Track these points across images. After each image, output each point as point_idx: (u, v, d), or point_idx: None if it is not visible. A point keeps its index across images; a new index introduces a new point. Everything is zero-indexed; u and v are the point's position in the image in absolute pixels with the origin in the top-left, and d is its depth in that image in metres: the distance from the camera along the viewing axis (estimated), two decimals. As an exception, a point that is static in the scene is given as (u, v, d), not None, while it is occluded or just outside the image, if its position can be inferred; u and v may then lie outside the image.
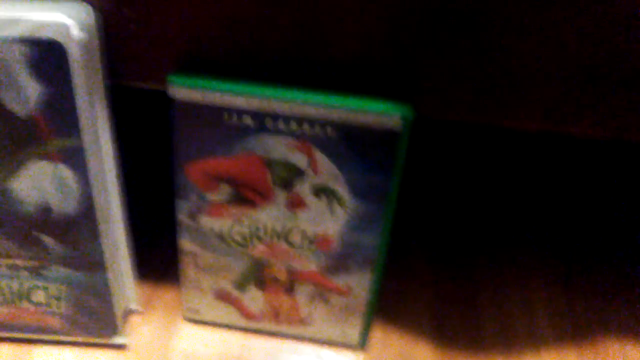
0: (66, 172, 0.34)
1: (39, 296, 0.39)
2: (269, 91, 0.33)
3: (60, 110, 0.32)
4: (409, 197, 0.55)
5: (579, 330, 0.46)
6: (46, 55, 0.30)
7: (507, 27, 0.30)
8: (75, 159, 0.33)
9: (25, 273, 0.38)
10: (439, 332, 0.45)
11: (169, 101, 0.34)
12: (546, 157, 0.62)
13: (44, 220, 0.36)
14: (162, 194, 0.51)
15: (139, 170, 0.41)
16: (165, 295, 0.45)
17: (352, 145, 0.34)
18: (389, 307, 0.46)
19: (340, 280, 0.39)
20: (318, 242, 0.38)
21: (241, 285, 0.41)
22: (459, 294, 0.48)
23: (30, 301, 0.39)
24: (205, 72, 0.33)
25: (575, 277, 0.50)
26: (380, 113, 0.32)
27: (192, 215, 0.38)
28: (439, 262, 0.50)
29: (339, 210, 0.36)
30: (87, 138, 0.33)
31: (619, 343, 0.45)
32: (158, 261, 0.47)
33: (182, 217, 0.38)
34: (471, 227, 0.54)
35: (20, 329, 0.41)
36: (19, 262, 0.38)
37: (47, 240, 0.37)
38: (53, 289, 0.39)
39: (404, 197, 0.54)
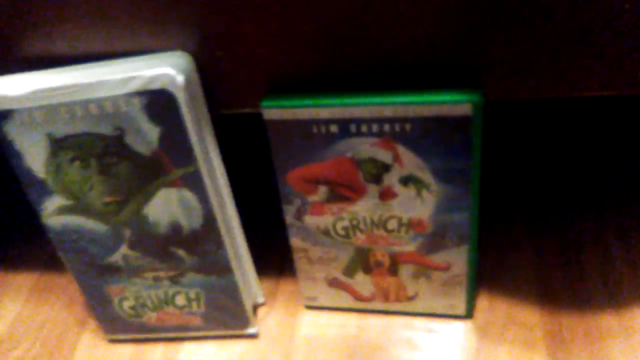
0: (188, 195, 0.40)
1: (180, 300, 0.46)
2: (349, 100, 0.36)
3: (176, 145, 0.38)
4: (498, 171, 0.57)
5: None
6: (159, 102, 0.36)
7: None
8: (194, 182, 0.39)
9: (167, 282, 0.45)
10: (544, 293, 0.47)
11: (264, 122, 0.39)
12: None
13: (176, 236, 0.42)
14: (271, 201, 0.57)
15: (249, 184, 0.47)
16: (286, 288, 0.51)
17: (430, 136, 0.37)
18: (493, 275, 0.48)
19: (438, 258, 0.43)
20: (413, 226, 0.41)
21: (349, 272, 0.45)
22: (560, 256, 0.49)
23: (174, 305, 0.46)
24: (292, 90, 0.38)
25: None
26: (451, 103, 0.35)
27: (298, 216, 0.43)
28: (538, 227, 0.52)
29: (427, 195, 0.39)
30: (201, 164, 0.39)
31: None
32: (276, 259, 0.53)
33: (290, 219, 0.43)
34: (560, 189, 0.55)
35: (168, 329, 0.48)
36: (161, 273, 0.44)
37: (181, 253, 0.43)
38: (191, 293, 0.45)
39: (493, 172, 0.56)
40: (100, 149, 0.38)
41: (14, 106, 0.37)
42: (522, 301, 0.47)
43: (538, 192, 0.55)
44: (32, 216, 0.43)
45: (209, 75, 0.38)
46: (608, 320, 0.45)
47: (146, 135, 0.37)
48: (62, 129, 0.38)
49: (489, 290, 0.48)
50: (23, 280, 0.58)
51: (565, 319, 0.45)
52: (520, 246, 0.51)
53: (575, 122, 0.63)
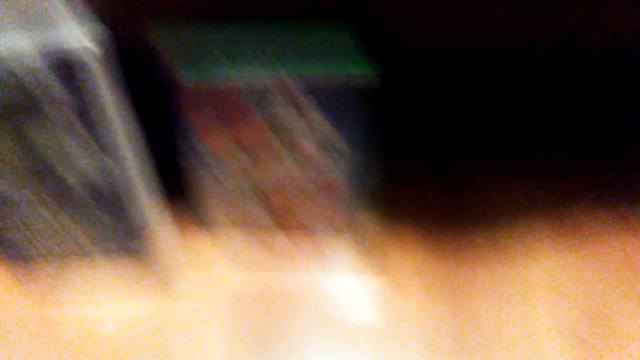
0: (105, 160, 0.40)
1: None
2: (259, 70, 0.38)
3: (88, 114, 0.38)
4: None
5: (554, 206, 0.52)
6: (70, 71, 0.36)
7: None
8: (107, 146, 0.39)
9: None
10: (447, 246, 0.51)
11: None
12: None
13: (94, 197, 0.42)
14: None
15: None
16: (207, 247, 0.52)
17: (341, 102, 0.38)
18: (400, 233, 0.52)
19: (349, 217, 0.45)
20: (325, 189, 0.43)
21: (266, 231, 0.47)
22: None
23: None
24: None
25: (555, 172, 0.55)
26: (349, 74, 0.37)
27: (215, 176, 0.44)
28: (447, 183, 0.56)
29: (337, 159, 0.42)
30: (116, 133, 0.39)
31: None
32: (200, 218, 0.52)
33: (207, 180, 0.44)
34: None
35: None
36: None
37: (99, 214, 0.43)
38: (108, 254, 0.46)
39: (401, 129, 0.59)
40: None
41: None
42: (426, 253, 0.50)
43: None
44: None
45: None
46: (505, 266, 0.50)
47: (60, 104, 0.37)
48: None
49: (396, 244, 0.51)
50: None
51: (466, 268, 0.49)
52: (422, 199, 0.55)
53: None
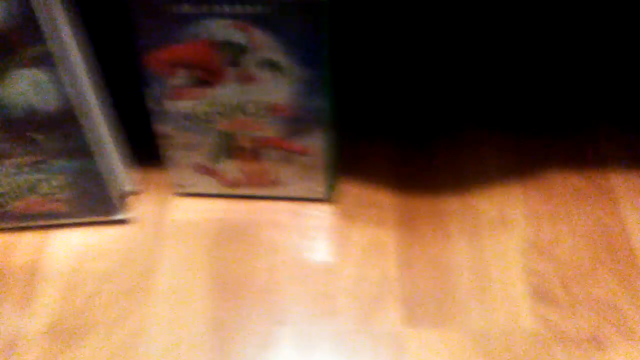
0: (41, 76, 0.39)
1: (44, 187, 0.46)
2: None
3: (24, 22, 0.36)
4: (360, 59, 0.59)
5: (524, 167, 0.52)
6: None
7: None
8: (46, 63, 0.38)
9: (27, 169, 0.44)
10: (398, 180, 0.51)
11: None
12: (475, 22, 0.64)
13: (32, 120, 0.41)
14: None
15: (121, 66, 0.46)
16: (158, 176, 0.52)
17: (284, 19, 0.38)
18: (353, 165, 0.52)
19: (298, 142, 0.45)
20: (272, 110, 0.43)
21: (214, 158, 0.47)
22: (414, 144, 0.54)
23: (37, 193, 0.46)
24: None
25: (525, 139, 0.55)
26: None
27: (158, 101, 0.43)
28: (395, 116, 0.56)
29: (283, 79, 0.41)
30: (53, 43, 0.38)
31: (561, 174, 0.51)
32: (149, 147, 0.53)
33: (151, 103, 0.43)
34: (420, 79, 0.58)
35: (34, 217, 0.48)
36: (20, 160, 0.44)
37: (38, 137, 0.42)
38: (54, 179, 0.45)
39: (356, 58, 0.58)
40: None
41: None
42: (378, 185, 0.51)
43: (398, 82, 0.58)
44: None
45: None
46: (451, 202, 0.50)
47: (-11, 9, 0.36)
48: None
49: (349, 176, 0.51)
50: None
51: (414, 200, 0.50)
52: (377, 133, 0.54)
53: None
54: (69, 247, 0.48)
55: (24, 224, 0.49)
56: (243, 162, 0.47)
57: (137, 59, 0.41)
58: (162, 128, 0.45)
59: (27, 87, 0.39)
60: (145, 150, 0.51)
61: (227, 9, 0.37)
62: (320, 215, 0.49)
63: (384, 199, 0.50)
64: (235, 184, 0.49)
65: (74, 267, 0.47)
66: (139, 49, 0.40)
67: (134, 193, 0.51)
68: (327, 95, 0.42)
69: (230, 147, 0.46)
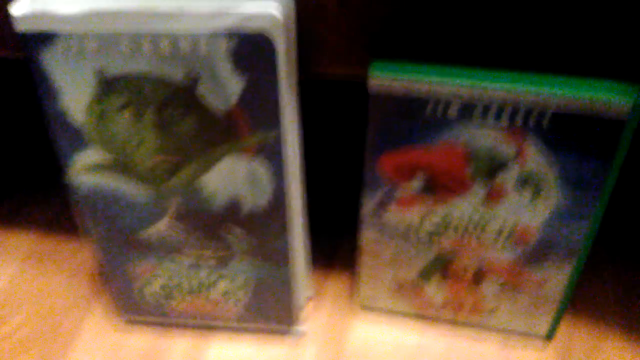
0: (261, 167, 0.33)
1: (223, 286, 0.39)
2: (480, 79, 0.30)
3: (261, 104, 0.30)
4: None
5: None
6: (252, 48, 0.28)
7: None
8: (272, 152, 0.32)
9: (213, 263, 0.38)
10: (629, 326, 0.42)
11: (359, 91, 0.32)
12: None
13: (234, 214, 0.35)
14: (333, 183, 0.50)
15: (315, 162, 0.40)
16: (338, 282, 0.44)
17: (570, 136, 0.30)
18: (578, 297, 0.43)
19: (535, 272, 0.37)
20: (516, 235, 0.35)
21: (424, 277, 0.39)
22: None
23: (214, 291, 0.39)
24: (402, 55, 0.31)
25: None
26: (606, 100, 0.29)
27: (380, 207, 0.36)
28: (626, 255, 0.47)
29: (544, 201, 0.33)
30: (284, 130, 0.31)
31: None
32: (328, 249, 0.46)
33: (368, 209, 0.36)
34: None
35: (202, 317, 0.41)
36: (207, 253, 0.37)
37: (235, 234, 0.36)
38: (236, 279, 0.38)
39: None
40: (163, 98, 0.31)
41: (61, 29, 0.29)
42: (606, 331, 0.41)
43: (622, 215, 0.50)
44: (34, 168, 0.35)
45: (308, 24, 0.31)
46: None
47: (225, 88, 0.30)
48: (117, 66, 0.30)
49: (572, 312, 0.42)
50: (18, 244, 0.49)
51: (653, 354, 0.40)
52: (604, 270, 0.45)
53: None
54: (233, 357, 0.41)
55: (183, 322, 0.42)
56: (457, 286, 0.39)
57: (365, 159, 0.34)
58: (370, 236, 0.38)
59: (240, 178, 0.33)
60: (327, 251, 0.43)
61: (502, 115, 0.30)
62: (538, 357, 0.40)
63: (613, 349, 0.40)
64: (438, 307, 0.41)
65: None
66: (373, 148, 0.33)
67: (312, 300, 0.43)
68: (591, 224, 0.34)
69: (447, 268, 0.38)
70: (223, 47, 0.28)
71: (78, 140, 0.33)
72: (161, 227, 0.36)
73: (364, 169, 0.34)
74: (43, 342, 0.42)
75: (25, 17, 0.29)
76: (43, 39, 0.29)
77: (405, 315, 0.42)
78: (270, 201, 0.34)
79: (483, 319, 0.41)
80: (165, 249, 0.37)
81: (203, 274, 0.38)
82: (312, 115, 0.38)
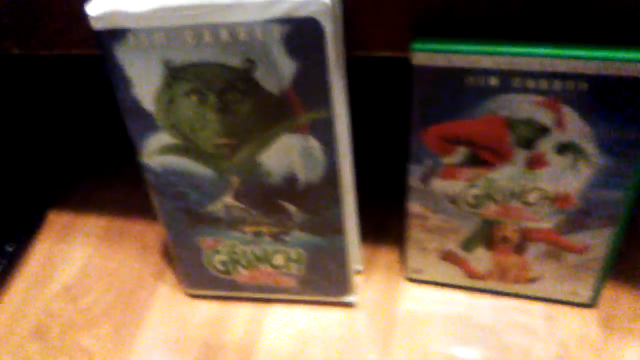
0: (314, 143, 0.35)
1: (279, 259, 0.42)
2: (517, 48, 0.32)
3: (312, 85, 0.33)
4: None
5: None
6: (303, 33, 0.31)
7: None
8: (323, 130, 0.35)
9: (268, 238, 0.41)
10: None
11: (402, 67, 0.34)
12: None
13: (290, 189, 0.38)
14: (380, 156, 0.52)
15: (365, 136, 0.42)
16: (386, 255, 0.47)
17: (606, 99, 0.32)
18: (620, 262, 0.44)
19: (576, 238, 0.38)
20: (557, 201, 0.37)
21: (469, 246, 0.41)
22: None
23: (270, 264, 0.42)
24: (443, 35, 0.33)
25: None
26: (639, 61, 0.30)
27: (425, 179, 0.38)
28: None
29: (584, 167, 0.35)
30: (334, 109, 0.34)
31: None
32: (378, 222, 0.49)
33: (415, 180, 0.39)
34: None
35: (260, 289, 0.44)
36: (263, 228, 0.40)
37: (291, 208, 0.39)
38: (292, 252, 0.41)
39: None
40: (224, 83, 0.34)
41: (131, 25, 0.32)
42: (652, 293, 0.43)
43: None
44: (100, 154, 0.39)
45: (353, 7, 0.33)
46: None
47: (280, 71, 0.33)
48: (183, 56, 0.33)
49: (615, 278, 0.43)
50: (92, 225, 0.54)
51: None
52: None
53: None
54: (290, 327, 0.44)
55: (244, 294, 0.45)
56: (501, 254, 0.41)
57: (409, 132, 0.36)
58: (417, 208, 0.40)
59: (295, 155, 0.36)
60: (376, 224, 0.46)
61: (540, 83, 0.32)
62: (583, 324, 0.41)
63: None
64: (484, 276, 0.43)
65: (293, 351, 0.42)
66: (418, 121, 0.36)
67: (361, 273, 0.46)
68: (630, 189, 0.35)
69: (490, 237, 0.40)
70: (277, 33, 0.31)
71: (150, 125, 0.36)
72: (225, 203, 0.39)
73: (410, 141, 0.37)
74: (117, 313, 0.46)
75: (100, 16, 0.32)
76: (117, 34, 0.33)
77: (452, 286, 0.44)
78: (324, 175, 0.37)
79: (527, 288, 0.42)
80: (228, 223, 0.41)
81: (262, 247, 0.42)
82: (360, 92, 0.40)
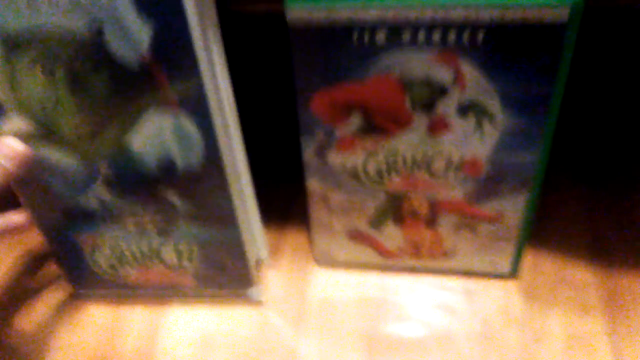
0: (188, 122, 0.31)
1: (168, 254, 0.37)
2: (405, -1, 0.28)
3: (174, 50, 0.28)
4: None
5: None
6: None
7: None
8: (196, 104, 0.30)
9: (154, 232, 0.36)
10: (596, 250, 0.40)
11: (284, 25, 0.30)
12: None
13: (168, 176, 0.33)
14: (274, 130, 0.48)
15: (252, 107, 0.38)
16: (292, 240, 0.43)
17: (507, 50, 0.28)
18: (539, 228, 0.41)
19: (490, 207, 0.35)
20: (465, 168, 0.33)
21: (377, 223, 0.38)
22: (612, 208, 0.43)
23: (160, 260, 0.38)
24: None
25: None
26: (542, 4, 0.27)
27: (320, 152, 0.34)
28: (592, 179, 0.45)
29: (489, 128, 0.32)
30: (206, 78, 0.30)
31: None
32: (280, 204, 0.45)
33: (309, 155, 0.35)
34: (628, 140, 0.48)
35: (152, 288, 0.40)
36: (146, 221, 0.36)
37: (173, 198, 0.34)
38: (182, 246, 0.37)
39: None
40: (71, 53, 0.29)
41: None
42: (572, 258, 0.40)
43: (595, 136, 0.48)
44: None
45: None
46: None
47: (133, 36, 0.28)
48: (16, 21, 0.28)
49: (534, 246, 0.41)
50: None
51: (623, 278, 0.39)
52: (568, 195, 0.44)
53: None
54: (189, 328, 0.39)
55: (138, 294, 0.40)
56: (412, 229, 0.37)
57: (297, 100, 0.32)
58: (316, 185, 0.36)
59: (167, 135, 0.31)
60: (278, 210, 0.42)
61: (435, 36, 0.28)
62: (504, 297, 0.39)
63: (581, 275, 0.39)
64: (396, 254, 0.39)
65: (195, 355, 0.38)
66: (303, 88, 0.32)
67: (266, 262, 0.42)
68: (541, 151, 0.32)
69: (399, 211, 0.37)
70: None
71: (-6, 107, 0.31)
72: (96, 194, 0.34)
73: (298, 110, 0.33)
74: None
75: None
76: None
77: (365, 267, 0.40)
78: (204, 159, 0.32)
79: (443, 263, 0.39)
80: (104, 217, 0.36)
81: (147, 241, 0.37)
82: (242, 60, 0.36)
